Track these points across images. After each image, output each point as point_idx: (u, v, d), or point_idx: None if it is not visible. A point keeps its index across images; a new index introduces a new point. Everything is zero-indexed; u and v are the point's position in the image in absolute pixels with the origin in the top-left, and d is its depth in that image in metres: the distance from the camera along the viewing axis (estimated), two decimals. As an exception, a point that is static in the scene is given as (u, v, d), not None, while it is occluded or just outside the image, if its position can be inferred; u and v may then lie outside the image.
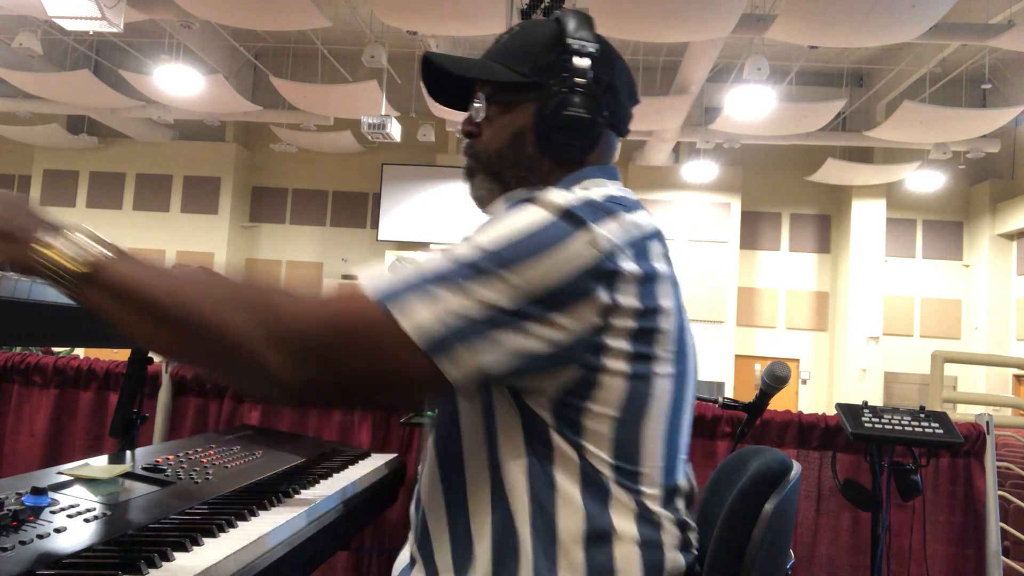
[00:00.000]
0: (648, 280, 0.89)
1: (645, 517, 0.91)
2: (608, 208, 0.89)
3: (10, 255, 0.80)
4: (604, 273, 0.85)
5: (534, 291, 0.82)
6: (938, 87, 12.22)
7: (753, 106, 10.79)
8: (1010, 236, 14.14)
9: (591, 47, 1.01)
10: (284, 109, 13.19)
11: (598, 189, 0.96)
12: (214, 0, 8.66)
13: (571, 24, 1.02)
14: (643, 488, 0.91)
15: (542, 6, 7.44)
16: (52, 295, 0.94)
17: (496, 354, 0.82)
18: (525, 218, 0.86)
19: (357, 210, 15.74)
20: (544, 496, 0.89)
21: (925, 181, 13.43)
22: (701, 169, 13.68)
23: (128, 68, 12.24)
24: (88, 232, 0.82)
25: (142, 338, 0.83)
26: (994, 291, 14.17)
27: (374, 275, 0.84)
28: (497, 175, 1.05)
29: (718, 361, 14.18)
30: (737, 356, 14.53)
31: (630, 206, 0.94)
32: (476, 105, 1.06)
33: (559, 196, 0.88)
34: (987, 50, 10.89)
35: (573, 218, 0.85)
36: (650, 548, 0.91)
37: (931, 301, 14.87)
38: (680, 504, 0.96)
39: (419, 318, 0.80)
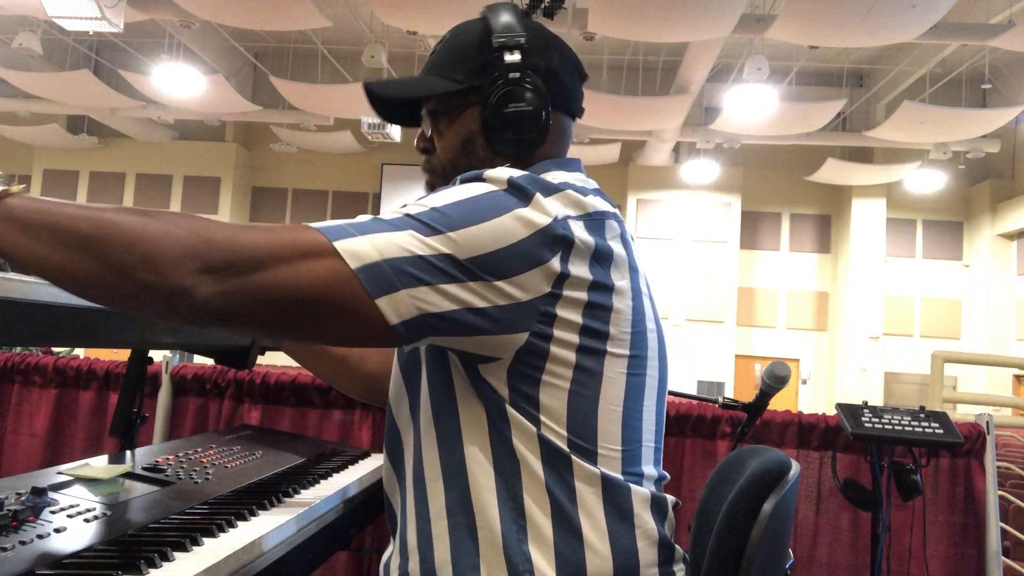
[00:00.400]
0: (601, 255, 0.89)
1: (609, 485, 0.91)
2: (557, 186, 0.90)
3: None
4: (556, 239, 0.85)
5: (480, 255, 0.82)
6: (938, 87, 12.22)
7: (753, 106, 10.79)
8: (1010, 236, 14.14)
9: (519, 38, 1.00)
10: (284, 109, 13.20)
11: (548, 175, 0.97)
12: (214, 0, 8.66)
13: (497, 20, 1.02)
14: (602, 469, 0.91)
15: (542, 6, 7.44)
16: (52, 295, 0.94)
17: (439, 303, 0.81)
18: (473, 189, 0.87)
19: (357, 210, 15.70)
20: (508, 469, 0.89)
21: (925, 181, 13.44)
22: (701, 169, 13.69)
23: (128, 68, 12.25)
24: None
25: (54, 269, 0.75)
26: (994, 291, 14.17)
27: (324, 222, 0.84)
28: None
29: (718, 361, 14.18)
30: (737, 356, 14.54)
31: (583, 191, 0.94)
32: (424, 121, 1.07)
33: (505, 171, 0.88)
34: (987, 50, 10.89)
35: (520, 189, 0.86)
36: (618, 517, 0.91)
37: (931, 301, 14.87)
38: (649, 484, 0.96)
39: (359, 248, 0.79)
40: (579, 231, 0.87)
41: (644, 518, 0.93)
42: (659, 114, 11.73)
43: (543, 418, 0.89)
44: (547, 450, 0.89)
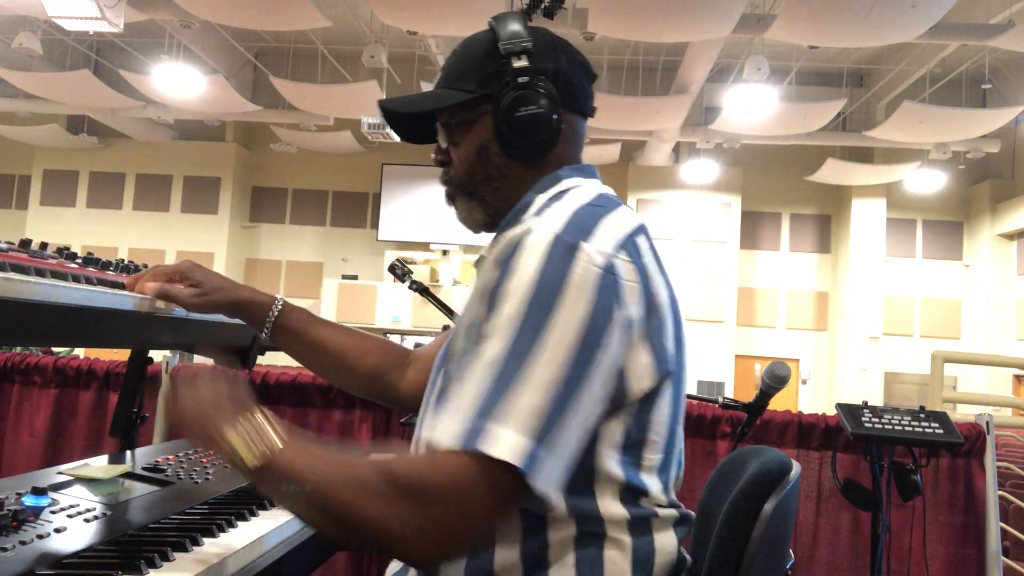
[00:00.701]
0: (644, 278, 0.89)
1: (638, 510, 0.91)
2: (592, 217, 0.90)
3: (200, 441, 0.90)
4: (610, 286, 0.85)
5: (575, 341, 0.82)
6: (938, 87, 12.22)
7: (753, 106, 10.78)
8: (1010, 236, 14.14)
9: (525, 43, 1.02)
10: (284, 109, 13.19)
11: (575, 192, 0.97)
12: (214, 0, 8.66)
13: (502, 28, 1.03)
14: (643, 477, 0.91)
15: (542, 6, 7.43)
16: (52, 295, 0.94)
17: (581, 432, 0.83)
18: (524, 271, 0.84)
19: (357, 210, 15.74)
20: (534, 529, 0.90)
21: (925, 181, 13.44)
22: (701, 169, 13.68)
23: (128, 68, 12.24)
24: (265, 420, 0.89)
25: (307, 521, 0.90)
26: (994, 291, 14.17)
27: (445, 427, 0.82)
28: (473, 193, 1.07)
29: (718, 361, 14.18)
30: (737, 356, 14.53)
31: (610, 205, 0.94)
32: (440, 134, 1.09)
33: (545, 233, 0.86)
34: (987, 50, 10.88)
35: (564, 244, 0.85)
36: (642, 537, 0.91)
37: (931, 301, 14.87)
38: (671, 488, 0.97)
39: (508, 442, 0.79)
40: (622, 267, 0.87)
41: (665, 540, 0.93)
42: (659, 114, 11.73)
43: (600, 447, 0.89)
44: (580, 510, 0.89)
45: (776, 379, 1.77)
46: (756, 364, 14.34)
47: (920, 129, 11.32)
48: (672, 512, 0.94)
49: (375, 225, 15.23)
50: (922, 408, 2.11)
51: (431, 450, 0.82)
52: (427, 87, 11.10)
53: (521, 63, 1.01)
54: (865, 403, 2.14)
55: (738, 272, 14.61)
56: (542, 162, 1.04)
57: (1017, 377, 13.55)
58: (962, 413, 5.26)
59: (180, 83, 11.16)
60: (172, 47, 12.09)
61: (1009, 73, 12.82)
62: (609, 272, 0.86)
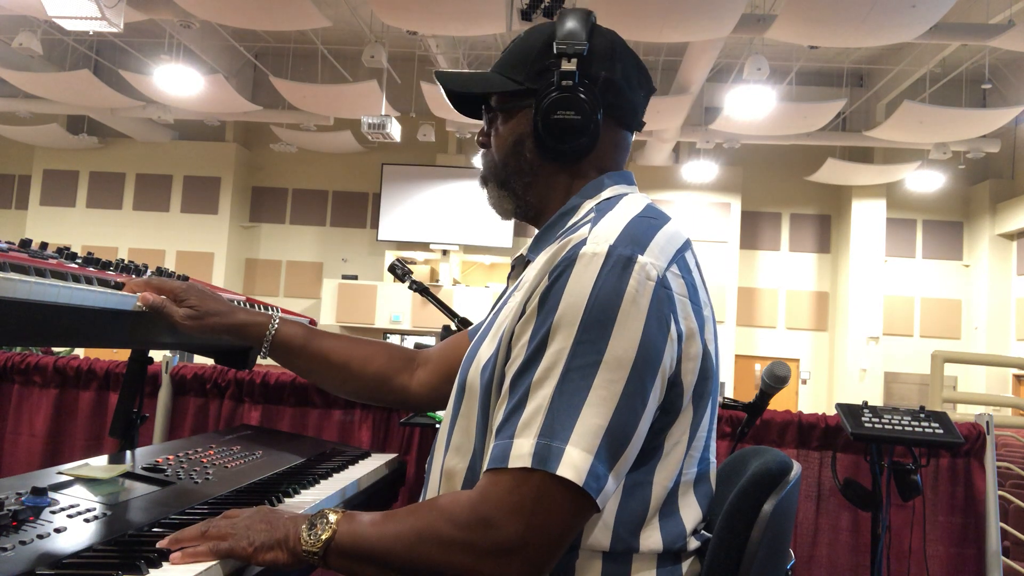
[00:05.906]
0: (693, 294, 0.91)
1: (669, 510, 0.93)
2: (646, 230, 0.91)
3: (280, 557, 0.91)
4: (665, 300, 0.87)
5: (634, 358, 0.84)
6: (938, 87, 12.22)
7: (753, 106, 10.78)
8: (1010, 236, 14.14)
9: (579, 47, 1.00)
10: (284, 109, 13.19)
11: (626, 202, 0.98)
12: (214, 0, 8.66)
13: (563, 26, 1.02)
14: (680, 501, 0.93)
15: (542, 6, 7.44)
16: (52, 295, 0.94)
17: (637, 444, 0.86)
18: (582, 284, 0.85)
19: (357, 210, 15.73)
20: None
21: (925, 181, 13.44)
22: (701, 169, 13.68)
23: (128, 68, 12.24)
24: (323, 514, 0.91)
25: None
26: (994, 291, 14.17)
27: (516, 450, 0.83)
28: (504, 183, 1.07)
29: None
30: (737, 356, 14.53)
31: (662, 218, 0.96)
32: (485, 116, 1.10)
33: (601, 243, 0.88)
34: (987, 50, 10.88)
35: (620, 257, 0.86)
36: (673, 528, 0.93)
37: (931, 301, 14.87)
38: (704, 483, 0.99)
39: (575, 461, 0.81)
40: (675, 282, 0.89)
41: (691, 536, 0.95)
42: (659, 114, 11.72)
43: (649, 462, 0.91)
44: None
45: (776, 379, 1.77)
46: (756, 364, 14.34)
47: (920, 129, 11.32)
48: (696, 543, 0.95)
49: (375, 225, 15.23)
50: (922, 408, 2.11)
51: (494, 473, 0.83)
52: (427, 87, 11.11)
53: (570, 66, 1.00)
54: (865, 403, 2.13)
55: (738, 272, 14.61)
56: (576, 166, 1.04)
57: (1017, 377, 13.55)
58: (962, 413, 5.26)
59: (180, 83, 11.16)
60: (172, 47, 12.08)
61: (1009, 73, 12.82)
62: (663, 286, 0.87)
